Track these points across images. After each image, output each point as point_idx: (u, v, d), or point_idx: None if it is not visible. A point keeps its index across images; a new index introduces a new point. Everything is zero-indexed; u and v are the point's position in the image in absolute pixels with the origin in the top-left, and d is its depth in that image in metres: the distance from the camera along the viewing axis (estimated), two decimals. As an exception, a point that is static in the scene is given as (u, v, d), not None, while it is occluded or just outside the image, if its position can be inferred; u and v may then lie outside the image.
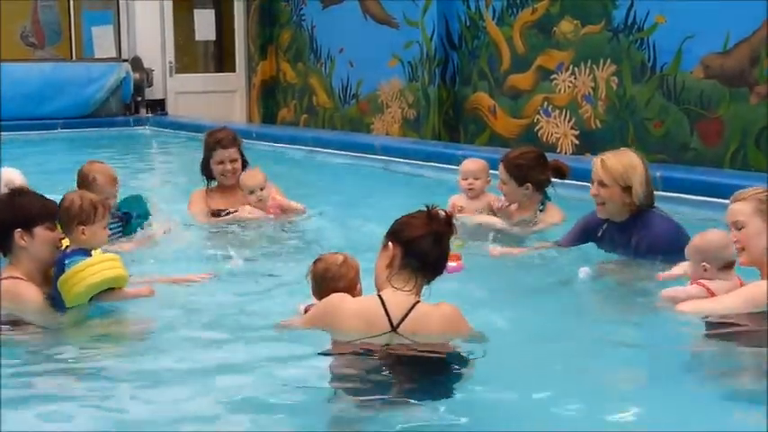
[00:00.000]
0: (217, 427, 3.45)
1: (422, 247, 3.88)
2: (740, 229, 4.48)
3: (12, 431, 3.36)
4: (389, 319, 3.82)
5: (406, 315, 3.83)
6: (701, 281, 4.46)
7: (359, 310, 3.89)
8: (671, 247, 5.01)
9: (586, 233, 5.55)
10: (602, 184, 5.23)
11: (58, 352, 4.19)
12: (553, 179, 6.25)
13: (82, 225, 4.58)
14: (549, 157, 6.45)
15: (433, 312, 3.89)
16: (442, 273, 3.97)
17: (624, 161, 5.25)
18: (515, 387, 3.69)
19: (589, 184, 8.08)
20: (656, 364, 4.06)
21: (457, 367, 3.80)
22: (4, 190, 5.62)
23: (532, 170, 6.14)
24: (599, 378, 3.88)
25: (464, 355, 3.86)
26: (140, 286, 4.75)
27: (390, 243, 3.94)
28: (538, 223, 6.19)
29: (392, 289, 3.89)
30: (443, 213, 3.95)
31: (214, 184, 6.94)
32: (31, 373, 3.97)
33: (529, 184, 6.12)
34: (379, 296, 3.89)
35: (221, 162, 6.79)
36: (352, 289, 4.13)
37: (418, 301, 3.88)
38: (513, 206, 6.30)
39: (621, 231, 5.30)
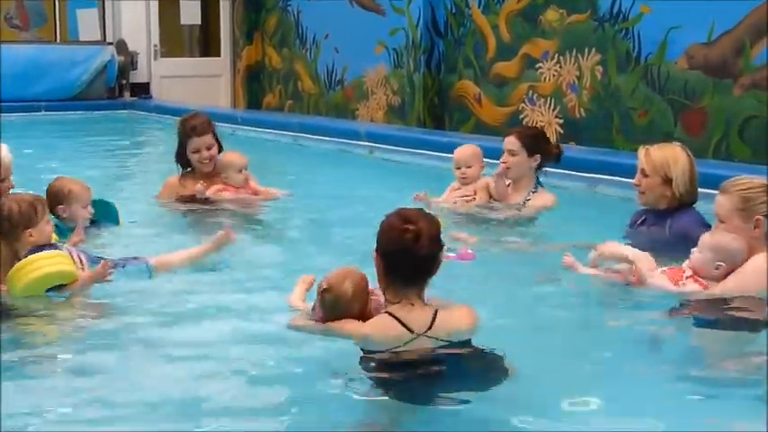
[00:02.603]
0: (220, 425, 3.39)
1: (398, 260, 3.68)
2: (722, 222, 4.53)
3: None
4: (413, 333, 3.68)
5: (430, 327, 3.69)
6: (701, 279, 4.47)
7: (380, 337, 3.70)
8: (689, 235, 5.07)
9: (630, 225, 5.61)
10: (644, 173, 5.27)
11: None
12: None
13: (28, 228, 4.58)
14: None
15: (454, 318, 3.77)
16: (434, 274, 3.77)
17: (667, 153, 5.26)
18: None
19: (572, 173, 8.25)
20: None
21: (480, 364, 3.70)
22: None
23: (543, 141, 6.36)
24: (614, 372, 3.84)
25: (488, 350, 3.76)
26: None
27: (376, 251, 3.75)
28: (526, 207, 6.24)
29: (396, 305, 3.72)
30: (416, 226, 3.66)
31: (188, 170, 6.79)
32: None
33: (538, 155, 6.26)
34: (393, 316, 3.70)
35: (197, 150, 6.63)
36: (365, 306, 3.89)
37: (436, 311, 3.73)
38: (506, 188, 6.33)
39: (658, 218, 5.34)
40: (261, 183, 6.91)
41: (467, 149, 6.58)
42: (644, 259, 4.67)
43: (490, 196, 6.38)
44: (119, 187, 8.55)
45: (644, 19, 9.43)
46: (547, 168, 6.43)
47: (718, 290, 4.43)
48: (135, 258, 4.98)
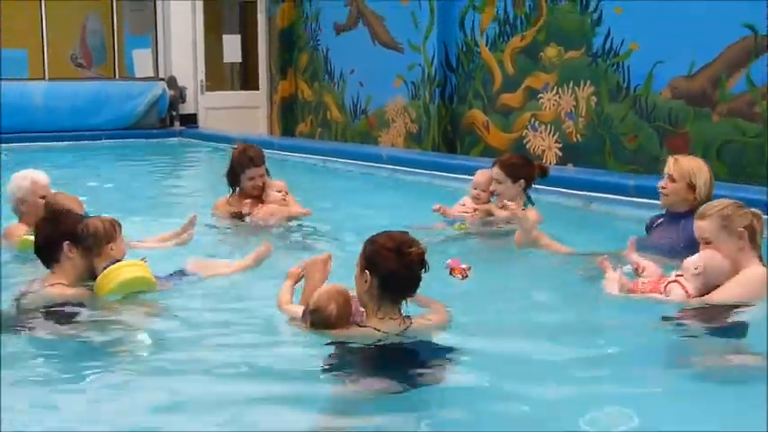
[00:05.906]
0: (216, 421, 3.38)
1: (396, 281, 3.72)
2: (708, 244, 4.51)
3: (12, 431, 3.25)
4: None
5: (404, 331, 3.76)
6: (684, 283, 4.45)
7: (360, 339, 3.76)
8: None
9: (646, 229, 5.64)
10: (671, 178, 5.35)
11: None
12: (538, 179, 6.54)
13: (110, 243, 4.72)
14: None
15: (427, 325, 3.82)
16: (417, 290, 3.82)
17: (693, 163, 5.38)
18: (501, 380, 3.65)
19: (570, 192, 8.29)
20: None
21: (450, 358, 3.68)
22: (30, 187, 5.71)
23: (524, 168, 6.46)
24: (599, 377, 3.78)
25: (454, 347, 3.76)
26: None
27: (367, 271, 3.73)
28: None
29: (378, 319, 3.76)
30: (416, 249, 3.72)
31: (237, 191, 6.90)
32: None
33: (522, 180, 6.38)
34: (376, 329, 3.74)
35: (253, 178, 6.77)
36: (348, 320, 3.90)
37: (410, 322, 3.78)
38: (507, 205, 6.40)
39: (672, 221, 5.38)
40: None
41: (485, 175, 6.67)
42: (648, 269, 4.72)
43: (489, 214, 6.52)
44: (170, 204, 8.66)
45: (633, 55, 9.49)
46: (536, 185, 6.56)
47: (716, 297, 4.39)
48: (183, 274, 5.05)
